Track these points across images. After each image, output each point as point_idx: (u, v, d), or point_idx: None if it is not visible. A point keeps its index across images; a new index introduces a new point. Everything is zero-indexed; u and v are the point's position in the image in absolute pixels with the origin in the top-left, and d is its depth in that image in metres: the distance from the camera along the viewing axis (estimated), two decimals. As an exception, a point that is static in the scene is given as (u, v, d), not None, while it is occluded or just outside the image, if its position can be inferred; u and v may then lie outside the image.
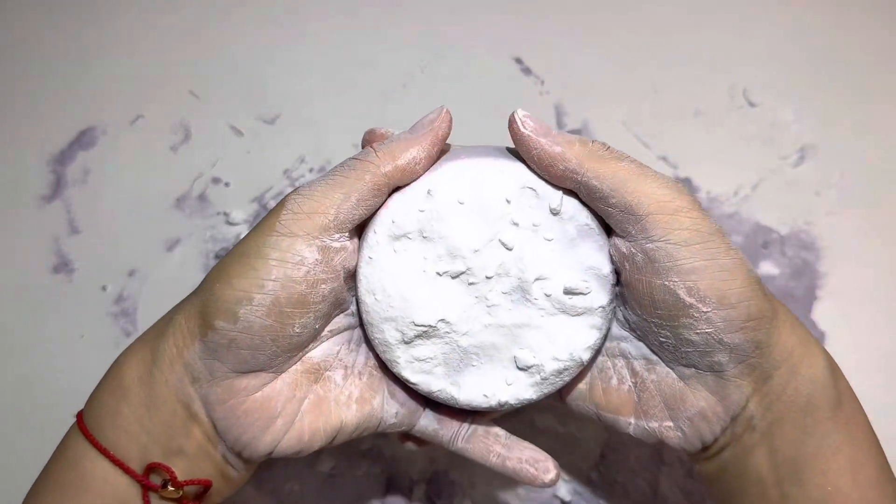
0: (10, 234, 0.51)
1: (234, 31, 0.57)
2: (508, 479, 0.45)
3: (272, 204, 0.51)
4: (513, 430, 0.45)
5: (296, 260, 0.29)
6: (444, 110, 0.32)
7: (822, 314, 0.49)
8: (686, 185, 0.52)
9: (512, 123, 0.31)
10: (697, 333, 0.29)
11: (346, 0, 0.57)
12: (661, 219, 0.29)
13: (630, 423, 0.33)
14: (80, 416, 0.32)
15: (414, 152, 0.31)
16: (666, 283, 0.29)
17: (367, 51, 0.56)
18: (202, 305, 0.30)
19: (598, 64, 0.55)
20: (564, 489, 0.45)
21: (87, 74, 0.56)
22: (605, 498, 0.45)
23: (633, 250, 0.30)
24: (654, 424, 0.32)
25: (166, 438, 0.31)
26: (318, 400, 0.33)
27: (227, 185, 0.52)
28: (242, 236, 0.33)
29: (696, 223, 0.29)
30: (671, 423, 0.32)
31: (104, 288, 0.50)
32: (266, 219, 0.30)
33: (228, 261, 0.30)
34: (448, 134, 0.32)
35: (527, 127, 0.31)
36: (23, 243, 0.51)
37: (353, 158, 0.31)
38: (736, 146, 0.53)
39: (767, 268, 0.50)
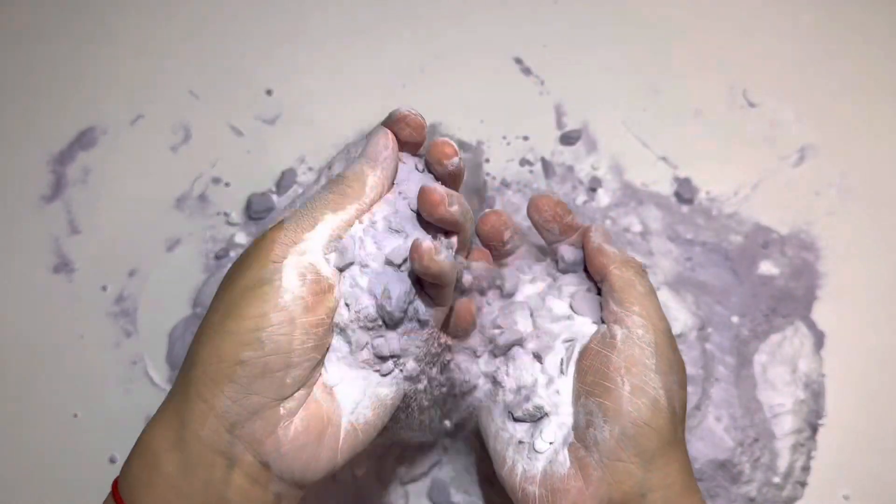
0: (10, 234, 0.51)
1: (233, 32, 0.57)
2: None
3: (272, 204, 0.52)
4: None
5: (297, 281, 0.31)
6: (390, 136, 0.35)
7: (822, 314, 0.49)
8: (688, 184, 0.52)
9: None
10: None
11: (346, 0, 0.57)
12: None
13: None
14: (115, 486, 0.32)
15: (379, 186, 0.35)
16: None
17: (367, 51, 0.56)
18: (219, 348, 0.30)
19: (598, 64, 0.55)
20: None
21: (87, 74, 0.56)
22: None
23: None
24: None
25: (206, 495, 0.30)
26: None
27: (227, 185, 0.52)
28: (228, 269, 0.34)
29: None
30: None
31: (104, 288, 0.50)
32: (255, 252, 0.32)
33: (230, 300, 0.31)
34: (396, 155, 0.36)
35: None
36: (23, 243, 0.51)
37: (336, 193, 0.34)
38: (736, 146, 0.53)
39: (767, 268, 0.50)
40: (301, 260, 0.32)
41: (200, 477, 0.30)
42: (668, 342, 0.35)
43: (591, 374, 0.34)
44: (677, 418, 0.34)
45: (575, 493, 0.32)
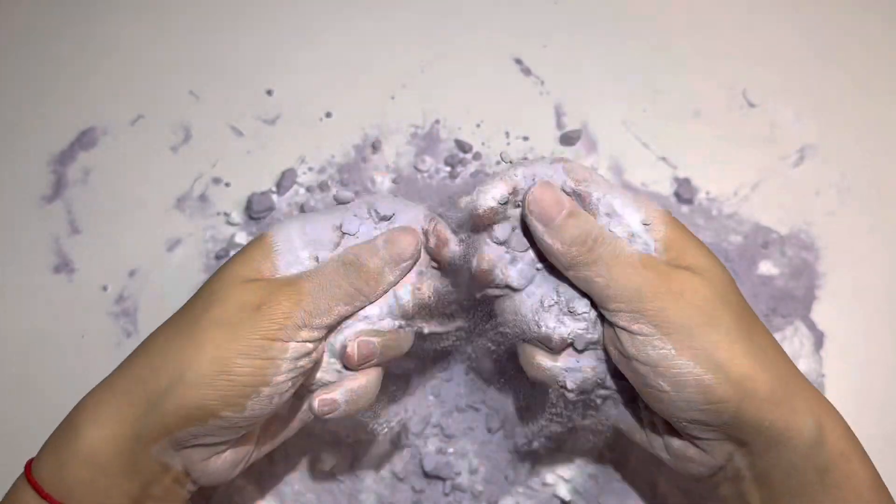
0: (10, 234, 0.51)
1: (233, 31, 0.57)
2: (509, 483, 0.45)
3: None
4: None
5: (292, 365, 0.33)
6: (419, 242, 0.35)
7: (822, 314, 0.49)
8: (687, 185, 0.52)
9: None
10: (660, 408, 0.33)
11: (346, 1, 0.57)
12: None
13: (639, 433, 0.37)
14: (33, 481, 0.33)
15: (390, 288, 0.35)
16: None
17: (368, 51, 0.56)
18: (204, 398, 0.32)
19: (598, 64, 0.55)
20: (564, 489, 0.45)
21: (87, 74, 0.56)
22: (605, 497, 0.45)
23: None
24: (657, 444, 0.36)
25: (142, 496, 0.34)
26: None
27: (227, 185, 0.52)
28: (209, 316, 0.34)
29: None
30: (665, 454, 0.36)
31: (104, 288, 0.50)
32: (259, 316, 0.32)
33: (220, 353, 0.32)
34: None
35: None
36: (23, 243, 0.51)
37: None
38: (736, 146, 0.53)
39: (767, 268, 0.50)
40: (303, 347, 0.33)
41: (141, 479, 0.33)
42: (670, 337, 0.31)
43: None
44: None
45: (698, 459, 0.34)
